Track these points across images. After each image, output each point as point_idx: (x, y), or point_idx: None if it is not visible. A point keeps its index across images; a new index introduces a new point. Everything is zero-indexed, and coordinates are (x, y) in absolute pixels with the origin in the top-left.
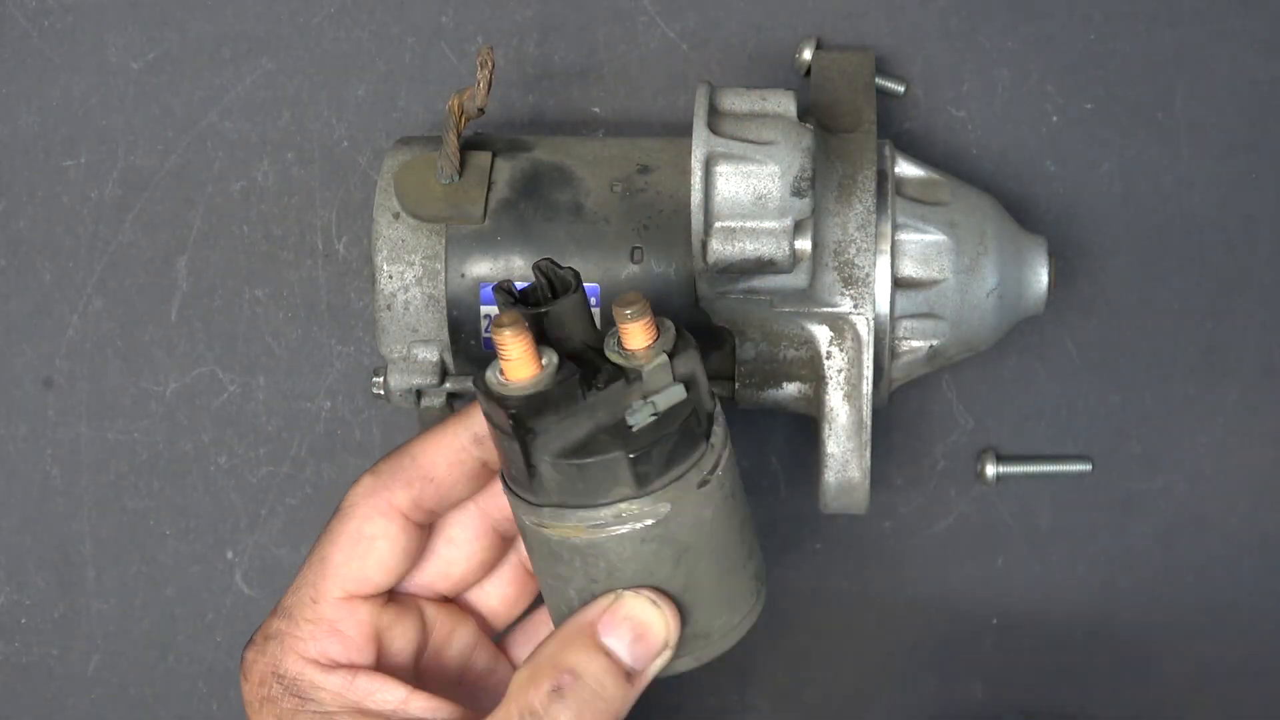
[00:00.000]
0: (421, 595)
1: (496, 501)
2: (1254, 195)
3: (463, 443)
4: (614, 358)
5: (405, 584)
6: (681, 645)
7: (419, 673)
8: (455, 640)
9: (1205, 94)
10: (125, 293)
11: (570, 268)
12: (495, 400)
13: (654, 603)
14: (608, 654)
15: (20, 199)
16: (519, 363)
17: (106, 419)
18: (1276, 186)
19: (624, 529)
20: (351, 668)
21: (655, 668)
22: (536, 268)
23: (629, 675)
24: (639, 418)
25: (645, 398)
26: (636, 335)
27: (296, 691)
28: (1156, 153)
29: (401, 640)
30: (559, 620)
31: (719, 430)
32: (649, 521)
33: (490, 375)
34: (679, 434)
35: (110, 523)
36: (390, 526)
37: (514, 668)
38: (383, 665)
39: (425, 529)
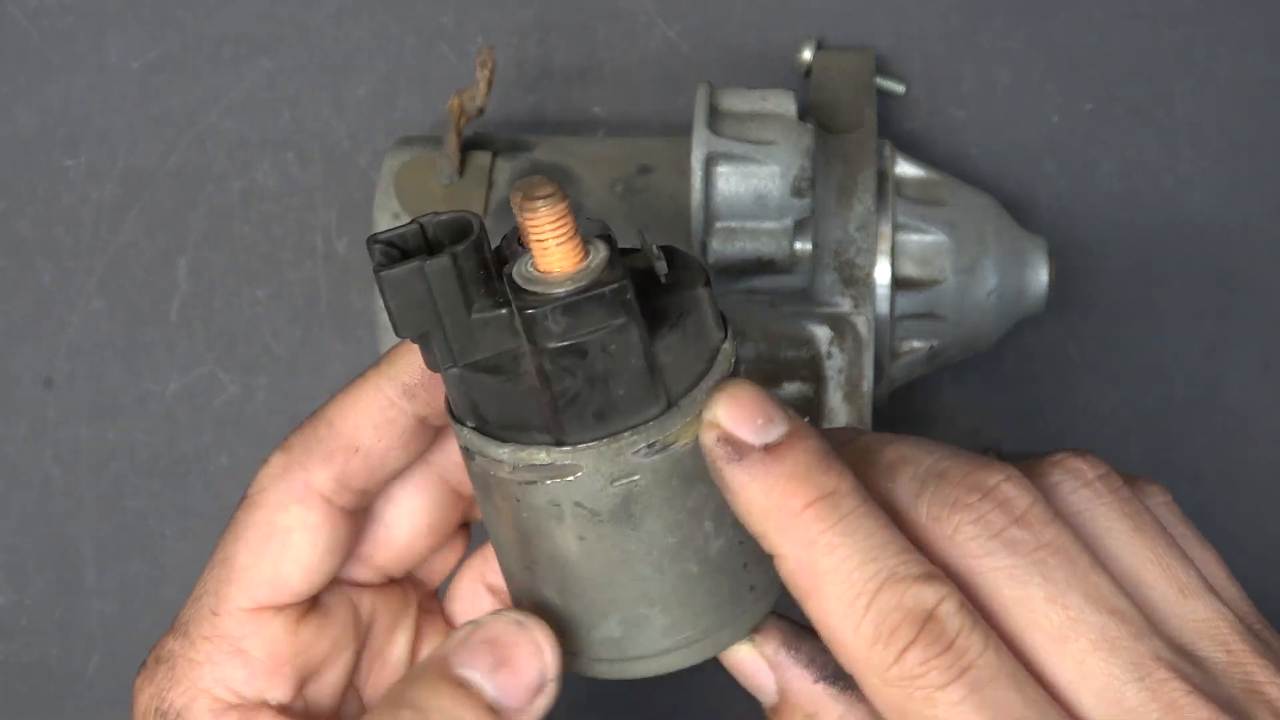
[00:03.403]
0: (355, 582)
1: (440, 453)
2: (1254, 195)
3: (389, 398)
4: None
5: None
6: None
7: (358, 690)
8: (399, 635)
9: (1205, 94)
10: (125, 293)
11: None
12: (597, 301)
13: (519, 623)
14: (463, 685)
15: (20, 199)
16: (567, 246)
17: (106, 419)
18: (1276, 186)
19: (742, 369)
20: (253, 707)
21: (540, 707)
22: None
23: (496, 712)
24: (661, 264)
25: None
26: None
27: None
28: (1156, 153)
29: (332, 659)
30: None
31: None
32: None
33: (524, 272)
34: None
35: (110, 523)
36: (310, 515)
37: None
38: (307, 699)
39: (356, 516)
